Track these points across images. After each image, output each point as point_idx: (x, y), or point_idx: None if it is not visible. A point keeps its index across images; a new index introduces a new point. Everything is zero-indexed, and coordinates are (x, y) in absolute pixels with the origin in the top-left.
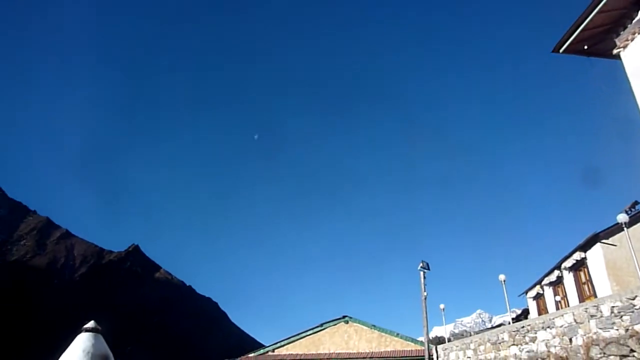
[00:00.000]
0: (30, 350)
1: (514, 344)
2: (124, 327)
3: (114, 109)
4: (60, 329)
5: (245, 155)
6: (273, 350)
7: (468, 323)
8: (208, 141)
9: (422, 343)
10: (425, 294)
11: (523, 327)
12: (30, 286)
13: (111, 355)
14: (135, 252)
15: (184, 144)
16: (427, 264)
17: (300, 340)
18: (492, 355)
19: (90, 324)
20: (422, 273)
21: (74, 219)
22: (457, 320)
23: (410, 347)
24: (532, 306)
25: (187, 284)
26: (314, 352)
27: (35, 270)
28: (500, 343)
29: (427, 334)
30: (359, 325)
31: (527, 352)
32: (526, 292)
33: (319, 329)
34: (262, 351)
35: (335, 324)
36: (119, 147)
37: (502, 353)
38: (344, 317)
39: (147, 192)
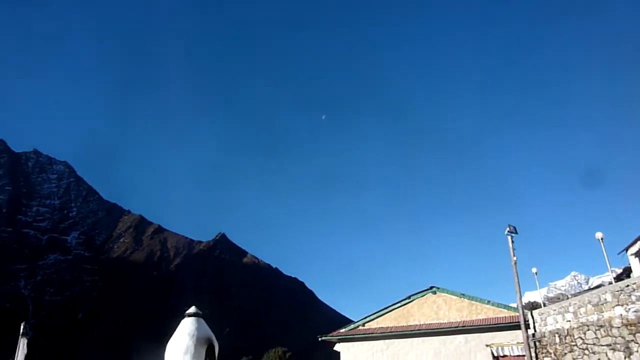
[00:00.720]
0: (139, 337)
1: (618, 304)
2: (220, 311)
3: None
4: (163, 316)
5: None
6: (363, 325)
7: (562, 286)
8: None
9: (515, 309)
10: (514, 258)
11: (628, 285)
12: (133, 279)
13: (214, 337)
14: (222, 241)
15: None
16: (514, 228)
17: (389, 313)
18: (595, 317)
19: (192, 309)
20: (509, 237)
21: (164, 214)
22: (550, 284)
23: (503, 313)
24: (635, 263)
25: (274, 267)
26: (404, 325)
27: (135, 264)
28: (602, 304)
29: (520, 299)
30: (447, 295)
31: (635, 312)
32: (626, 249)
33: (407, 301)
34: (352, 326)
35: (423, 295)
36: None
37: (606, 314)
38: (431, 287)
39: (228, 182)
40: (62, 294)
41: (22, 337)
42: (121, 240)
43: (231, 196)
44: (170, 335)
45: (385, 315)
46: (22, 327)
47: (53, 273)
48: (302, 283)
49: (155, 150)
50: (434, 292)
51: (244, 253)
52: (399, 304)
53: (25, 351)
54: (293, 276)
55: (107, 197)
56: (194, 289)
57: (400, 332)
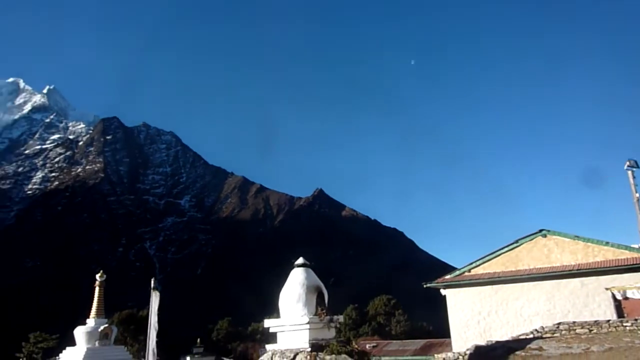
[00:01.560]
0: (254, 289)
1: None
2: (323, 263)
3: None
4: (273, 268)
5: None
6: (469, 271)
7: None
8: None
9: (639, 250)
10: (637, 195)
11: None
12: (242, 236)
13: (322, 285)
14: (320, 196)
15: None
16: (636, 162)
17: (496, 259)
18: None
19: (300, 260)
20: (630, 172)
21: (264, 173)
22: None
23: (625, 254)
24: None
25: (372, 218)
26: (513, 270)
27: (243, 222)
28: None
29: None
30: (559, 237)
31: None
32: None
33: (515, 245)
34: (457, 272)
35: (532, 239)
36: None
37: None
38: (540, 230)
39: (311, 140)
40: (181, 252)
41: (153, 291)
42: (228, 200)
43: (327, 152)
44: (282, 286)
45: (492, 260)
46: (152, 282)
47: (172, 234)
48: (402, 233)
49: (249, 112)
50: (544, 236)
51: (342, 206)
52: (506, 249)
53: (158, 302)
54: (392, 227)
55: (211, 161)
56: (298, 242)
57: (509, 277)
